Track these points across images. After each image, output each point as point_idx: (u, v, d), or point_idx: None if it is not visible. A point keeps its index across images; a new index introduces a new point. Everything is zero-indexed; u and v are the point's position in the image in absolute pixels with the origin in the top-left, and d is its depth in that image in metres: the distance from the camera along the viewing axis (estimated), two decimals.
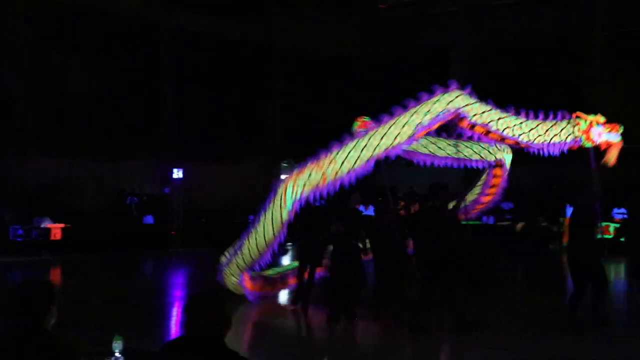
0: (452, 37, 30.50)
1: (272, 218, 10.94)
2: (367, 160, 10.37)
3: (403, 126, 10.29)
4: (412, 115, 10.30)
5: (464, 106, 10.30)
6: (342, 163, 10.36)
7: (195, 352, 3.62)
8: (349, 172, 10.35)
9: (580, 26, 27.54)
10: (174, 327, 10.56)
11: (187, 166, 25.06)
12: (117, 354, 4.88)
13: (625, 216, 19.25)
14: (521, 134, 10.48)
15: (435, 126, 10.64)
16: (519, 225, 22.60)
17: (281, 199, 10.77)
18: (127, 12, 25.79)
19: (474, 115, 10.34)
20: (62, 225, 21.26)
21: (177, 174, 24.57)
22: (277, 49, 30.32)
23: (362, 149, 10.34)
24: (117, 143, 25.12)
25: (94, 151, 24.39)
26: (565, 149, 10.72)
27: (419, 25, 31.08)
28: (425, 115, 10.29)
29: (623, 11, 26.78)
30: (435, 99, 10.32)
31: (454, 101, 10.28)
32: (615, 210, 21.18)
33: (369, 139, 10.37)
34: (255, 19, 29.59)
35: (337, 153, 10.42)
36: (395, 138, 10.31)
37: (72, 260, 19.43)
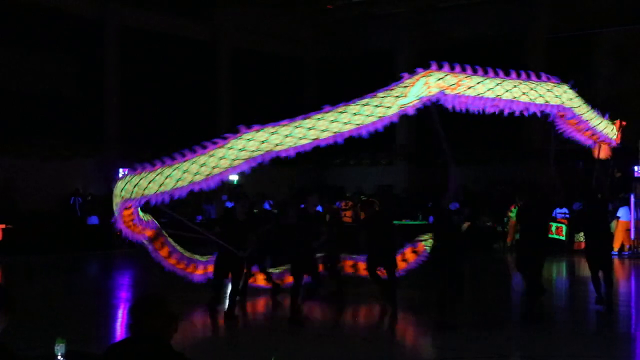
0: (397, 38, 30.80)
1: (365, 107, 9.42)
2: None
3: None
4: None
5: (571, 99, 10.39)
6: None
7: (141, 354, 3.57)
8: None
9: (523, 29, 28.15)
10: (119, 329, 10.41)
11: (134, 166, 24.63)
12: (59, 357, 4.79)
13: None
14: (604, 130, 11.27)
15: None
16: (465, 225, 22.83)
17: (403, 89, 9.49)
18: (72, 9, 25.35)
19: (580, 112, 10.58)
20: (2, 226, 20.75)
21: (123, 173, 24.17)
22: (226, 48, 30.17)
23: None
24: (60, 143, 24.62)
25: (36, 151, 23.86)
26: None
27: (365, 26, 31.31)
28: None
29: (564, 14, 27.51)
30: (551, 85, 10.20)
31: (566, 93, 10.27)
32: (558, 210, 21.59)
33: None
34: (205, 18, 29.39)
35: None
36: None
37: (14, 262, 18.99)
